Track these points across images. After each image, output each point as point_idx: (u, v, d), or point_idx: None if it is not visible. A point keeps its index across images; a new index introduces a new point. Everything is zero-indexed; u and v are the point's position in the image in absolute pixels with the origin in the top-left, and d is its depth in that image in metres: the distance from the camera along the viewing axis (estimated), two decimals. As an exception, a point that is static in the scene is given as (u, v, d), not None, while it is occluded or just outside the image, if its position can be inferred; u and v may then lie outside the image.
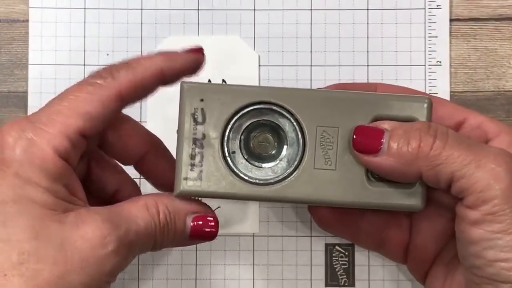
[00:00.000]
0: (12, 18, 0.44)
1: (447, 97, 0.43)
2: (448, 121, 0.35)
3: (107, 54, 0.44)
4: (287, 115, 0.34)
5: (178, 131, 0.34)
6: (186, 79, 0.34)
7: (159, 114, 0.43)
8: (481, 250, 0.30)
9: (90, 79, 0.32)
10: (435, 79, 0.43)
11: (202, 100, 0.34)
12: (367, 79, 0.43)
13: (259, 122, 0.34)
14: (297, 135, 0.34)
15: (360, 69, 0.43)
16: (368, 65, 0.43)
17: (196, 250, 0.43)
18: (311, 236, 0.43)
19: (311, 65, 0.43)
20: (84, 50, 0.44)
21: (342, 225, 0.39)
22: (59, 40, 0.44)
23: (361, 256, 0.43)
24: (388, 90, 0.38)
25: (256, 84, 0.43)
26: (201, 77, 0.43)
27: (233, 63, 0.43)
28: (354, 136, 0.33)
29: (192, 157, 0.34)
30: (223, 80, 0.43)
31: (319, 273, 0.43)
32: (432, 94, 0.43)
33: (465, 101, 0.43)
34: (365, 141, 0.32)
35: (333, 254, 0.43)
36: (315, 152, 0.34)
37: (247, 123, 0.34)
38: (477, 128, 0.35)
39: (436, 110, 0.35)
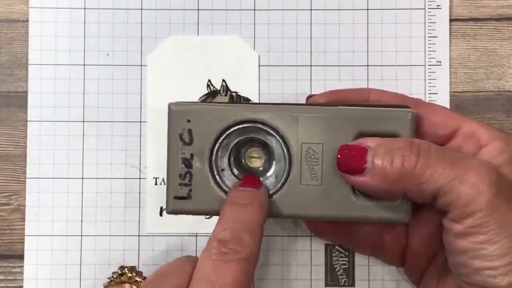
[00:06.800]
0: (12, 18, 0.44)
1: (447, 97, 0.43)
2: (441, 130, 0.35)
3: (107, 54, 0.44)
4: (273, 132, 0.34)
5: (167, 151, 0.34)
6: (173, 99, 0.35)
7: (159, 114, 0.43)
8: (467, 260, 0.31)
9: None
10: (435, 79, 0.43)
11: (189, 121, 0.34)
12: (367, 79, 0.43)
13: (248, 138, 0.35)
14: (283, 151, 0.34)
15: (360, 69, 0.43)
16: (368, 65, 0.43)
17: (196, 250, 0.43)
18: (311, 236, 0.43)
19: (311, 65, 0.43)
20: (84, 50, 0.44)
21: (336, 232, 0.39)
22: (59, 40, 0.44)
23: (361, 256, 0.43)
24: (380, 96, 0.38)
25: (256, 84, 0.43)
26: (201, 77, 0.43)
27: (233, 63, 0.43)
28: (339, 156, 0.33)
29: (181, 176, 0.34)
30: (223, 80, 0.43)
31: (319, 273, 0.43)
32: (432, 94, 0.43)
33: (465, 101, 0.43)
34: (349, 162, 0.33)
35: (333, 254, 0.43)
36: (301, 168, 0.34)
37: (235, 141, 0.35)
38: (470, 136, 0.35)
39: (429, 118, 0.35)
